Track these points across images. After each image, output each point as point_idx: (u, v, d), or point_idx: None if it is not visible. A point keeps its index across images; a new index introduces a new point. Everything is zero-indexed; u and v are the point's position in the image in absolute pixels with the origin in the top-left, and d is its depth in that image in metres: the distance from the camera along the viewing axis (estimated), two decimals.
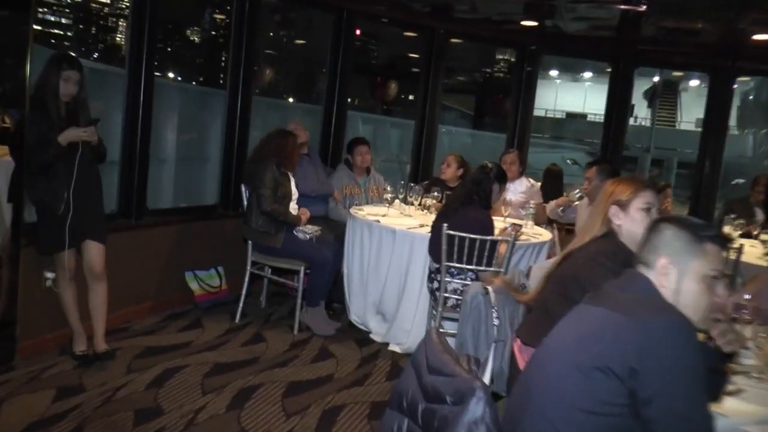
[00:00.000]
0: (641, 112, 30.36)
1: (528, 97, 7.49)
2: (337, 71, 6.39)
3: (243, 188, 5.19)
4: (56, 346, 4.14)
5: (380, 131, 11.31)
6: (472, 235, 3.90)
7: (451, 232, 3.93)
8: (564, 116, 34.20)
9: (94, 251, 3.89)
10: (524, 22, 6.51)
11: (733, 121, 28.12)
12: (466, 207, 4.07)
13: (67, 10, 29.48)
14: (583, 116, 33.10)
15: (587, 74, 33.85)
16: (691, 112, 29.33)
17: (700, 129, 7.95)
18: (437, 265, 4.12)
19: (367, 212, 5.19)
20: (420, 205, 5.27)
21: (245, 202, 5.12)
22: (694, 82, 30.28)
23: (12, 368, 3.82)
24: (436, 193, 5.34)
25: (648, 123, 30.13)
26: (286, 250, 4.89)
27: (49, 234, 3.77)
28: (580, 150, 18.58)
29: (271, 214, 4.79)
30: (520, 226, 4.38)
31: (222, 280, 5.41)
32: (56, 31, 28.45)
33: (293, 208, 5.01)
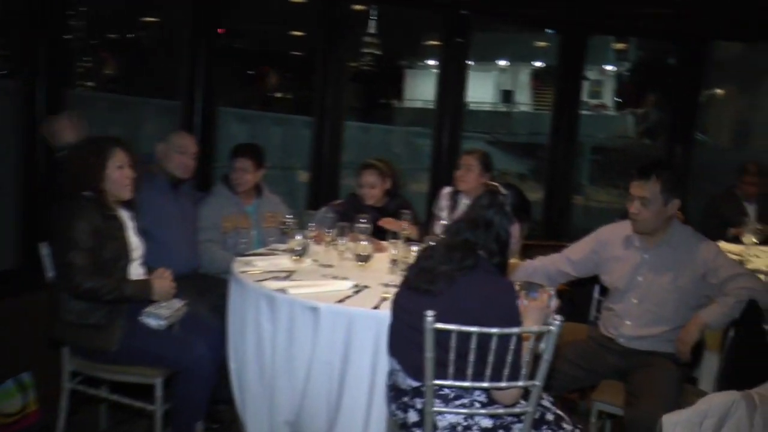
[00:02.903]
0: (521, 97, 29.90)
1: (459, 77, 5.69)
2: (200, 47, 4.35)
3: (41, 250, 3.02)
4: None
5: (260, 131, 9.31)
6: (490, 330, 2.01)
7: (447, 327, 2.02)
8: None
9: None
10: None
11: (610, 101, 28.39)
12: (469, 272, 2.16)
13: None
14: (465, 105, 32.42)
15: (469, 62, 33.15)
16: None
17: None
18: (415, 384, 2.20)
19: (263, 267, 3.21)
20: (352, 249, 3.26)
21: (49, 274, 2.99)
22: None
23: None
24: (363, 222, 3.41)
25: (530, 109, 29.52)
26: (127, 352, 2.83)
27: None
28: (476, 139, 17.22)
29: (93, 294, 2.72)
30: (541, 286, 2.54)
31: (29, 397, 3.26)
32: None
33: (137, 273, 2.97)
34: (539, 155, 15.36)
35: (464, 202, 4.28)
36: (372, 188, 4.00)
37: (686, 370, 2.99)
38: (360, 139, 11.06)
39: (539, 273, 3.21)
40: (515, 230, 2.26)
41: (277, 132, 9.53)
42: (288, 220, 3.52)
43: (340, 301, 2.74)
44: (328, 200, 4.76)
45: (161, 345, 2.85)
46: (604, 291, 3.30)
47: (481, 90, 27.64)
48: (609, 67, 27.62)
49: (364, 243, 3.04)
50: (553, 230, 5.77)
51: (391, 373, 2.36)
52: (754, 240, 4.38)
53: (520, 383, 2.11)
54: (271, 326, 2.86)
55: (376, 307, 2.67)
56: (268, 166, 4.18)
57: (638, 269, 3.00)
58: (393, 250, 3.07)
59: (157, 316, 2.88)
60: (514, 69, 29.82)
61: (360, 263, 3.03)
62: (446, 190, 4.50)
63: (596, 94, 27.06)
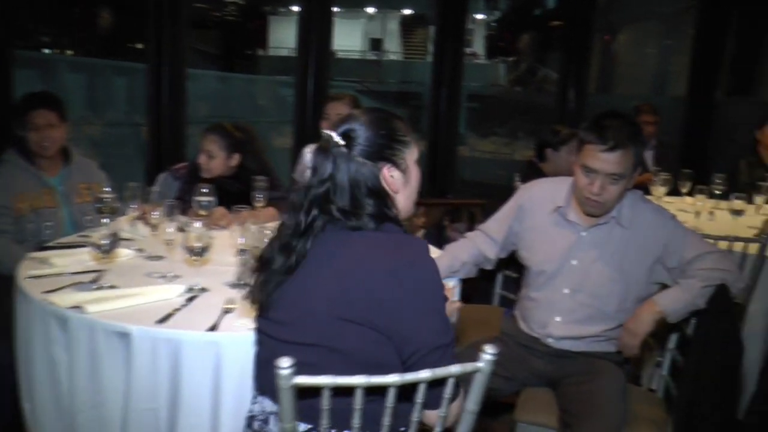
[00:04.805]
0: (391, 46, 29.39)
1: (324, 19, 4.93)
2: None
3: None
4: None
5: (100, 81, 8.13)
6: (384, 379, 1.27)
7: (314, 382, 1.27)
8: None
9: None
10: None
11: (480, 49, 28.43)
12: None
13: None
14: (332, 53, 31.70)
15: (334, 9, 32.40)
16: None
17: None
18: (303, 428, 1.44)
19: (62, 267, 2.33)
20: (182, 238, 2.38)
21: None
22: None
23: None
24: (205, 192, 2.62)
25: (399, 57, 29.05)
26: None
27: None
28: (345, 88, 16.52)
29: None
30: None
31: None
32: None
33: None
34: (412, 104, 14.87)
35: None
36: (210, 158, 3.09)
37: (630, 369, 2.37)
38: (219, 90, 10.01)
39: (468, 263, 2.48)
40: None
41: (121, 83, 8.34)
42: (106, 195, 2.67)
43: (163, 319, 1.92)
44: (171, 163, 3.90)
45: None
46: (516, 265, 2.62)
47: (348, 38, 26.87)
48: (479, 16, 27.64)
49: (199, 229, 2.19)
50: (439, 185, 5.17)
51: (254, 419, 1.59)
52: (663, 190, 3.85)
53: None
54: (66, 357, 2.01)
55: (213, 328, 1.88)
56: (110, 123, 3.27)
57: (572, 251, 2.27)
58: (239, 237, 2.25)
59: None
60: (383, 16, 29.24)
61: (194, 258, 2.19)
62: (309, 149, 3.72)
63: (467, 43, 27.10)
